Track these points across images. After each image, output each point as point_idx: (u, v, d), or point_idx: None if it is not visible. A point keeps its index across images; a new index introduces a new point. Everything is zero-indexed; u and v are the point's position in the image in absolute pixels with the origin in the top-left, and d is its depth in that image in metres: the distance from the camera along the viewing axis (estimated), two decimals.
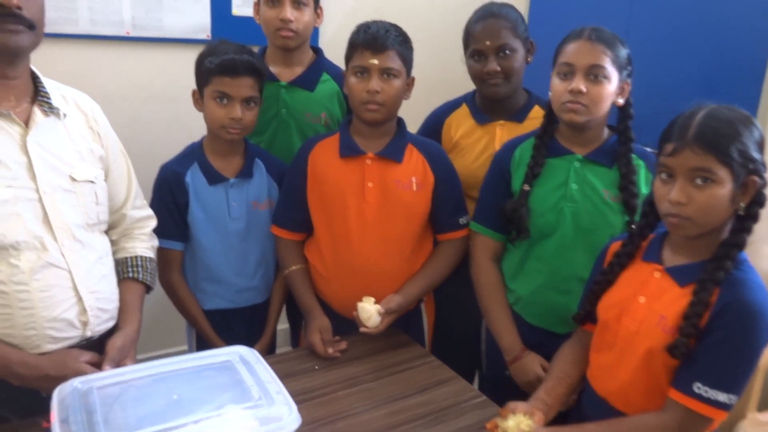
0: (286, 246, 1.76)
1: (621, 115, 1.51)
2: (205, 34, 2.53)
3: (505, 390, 1.49)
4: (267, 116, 1.92)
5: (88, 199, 1.36)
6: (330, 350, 1.59)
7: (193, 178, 1.73)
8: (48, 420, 1.08)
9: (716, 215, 1.15)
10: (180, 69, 2.50)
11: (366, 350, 1.64)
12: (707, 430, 1.20)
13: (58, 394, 1.11)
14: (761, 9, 1.90)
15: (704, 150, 1.12)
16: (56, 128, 1.33)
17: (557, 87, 1.48)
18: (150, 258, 1.55)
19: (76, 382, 1.13)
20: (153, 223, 1.59)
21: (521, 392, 1.53)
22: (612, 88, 1.44)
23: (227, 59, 1.64)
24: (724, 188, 1.12)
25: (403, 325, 1.73)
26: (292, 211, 1.73)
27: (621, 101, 1.49)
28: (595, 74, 1.43)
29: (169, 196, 1.70)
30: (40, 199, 1.27)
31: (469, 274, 1.72)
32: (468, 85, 1.90)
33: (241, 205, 1.77)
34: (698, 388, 1.14)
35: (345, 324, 1.66)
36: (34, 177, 1.26)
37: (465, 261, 1.73)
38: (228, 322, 1.82)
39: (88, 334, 1.35)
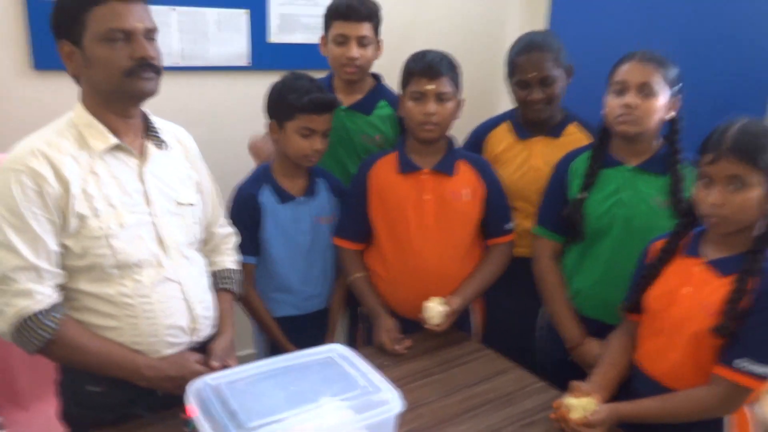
0: (349, 255, 1.94)
1: (671, 127, 1.70)
2: (246, 61, 2.71)
3: (559, 378, 1.66)
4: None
5: (190, 220, 1.54)
6: (398, 347, 1.77)
7: (266, 198, 1.89)
8: (184, 413, 1.25)
9: (750, 215, 1.34)
10: (224, 94, 2.70)
11: (428, 347, 1.81)
12: (747, 401, 1.39)
13: (191, 389, 1.27)
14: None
15: (738, 159, 1.31)
16: (163, 159, 1.51)
17: (612, 103, 1.67)
18: (237, 270, 1.72)
19: (207, 379, 1.29)
20: (235, 239, 1.77)
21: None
22: (661, 103, 1.63)
23: (315, 98, 1.81)
24: (756, 192, 1.31)
25: (455, 323, 1.90)
26: (355, 223, 1.91)
27: (672, 115, 1.67)
28: (645, 91, 1.62)
29: (245, 215, 1.86)
30: (154, 222, 1.44)
31: (513, 277, 1.91)
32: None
33: (308, 220, 1.94)
34: (741, 362, 1.32)
35: (407, 324, 1.84)
36: (149, 203, 1.43)
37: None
38: (296, 327, 1.98)
39: (196, 339, 1.52)
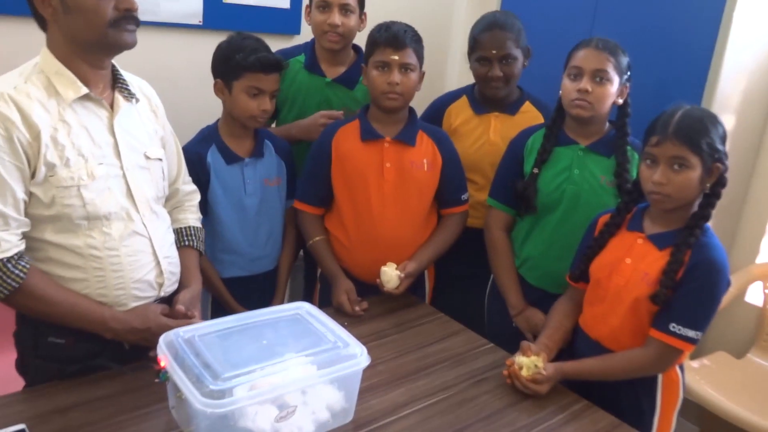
0: (309, 219, 1.98)
1: (620, 112, 1.82)
2: (197, 20, 2.65)
3: (506, 341, 1.77)
4: (310, 107, 2.14)
5: (158, 175, 1.53)
6: (357, 308, 1.83)
7: (213, 158, 1.89)
8: (156, 363, 1.27)
9: (689, 193, 1.47)
10: (174, 52, 2.63)
11: (384, 309, 1.89)
12: (678, 361, 1.54)
13: (163, 341, 1.28)
14: (706, 18, 2.27)
15: (681, 142, 1.43)
16: (132, 112, 1.49)
17: (567, 86, 1.77)
18: (200, 228, 1.73)
19: (180, 332, 1.31)
20: (198, 196, 1.76)
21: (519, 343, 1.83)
22: (613, 89, 1.74)
23: (262, 57, 1.81)
24: (695, 172, 1.44)
25: (409, 288, 1.98)
26: (316, 188, 1.95)
27: (620, 101, 1.79)
28: (599, 77, 1.72)
29: (193, 175, 1.82)
30: (124, 176, 1.43)
31: (464, 246, 2.00)
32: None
33: (255, 182, 1.95)
34: (673, 326, 1.46)
35: (364, 288, 1.91)
36: (119, 155, 1.42)
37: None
38: (243, 288, 2.00)
39: (162, 294, 1.52)
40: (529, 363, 1.52)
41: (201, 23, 2.65)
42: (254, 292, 2.03)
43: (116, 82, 1.47)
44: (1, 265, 1.28)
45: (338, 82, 2.15)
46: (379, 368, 1.59)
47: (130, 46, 1.38)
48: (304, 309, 1.48)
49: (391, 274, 1.83)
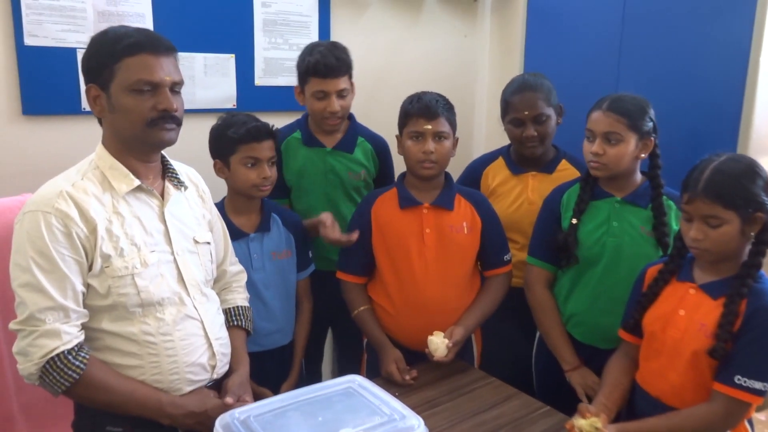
0: (353, 289, 1.99)
1: (650, 164, 1.82)
2: (232, 103, 2.76)
3: (558, 402, 1.73)
4: (317, 176, 2.18)
5: (206, 258, 1.57)
6: (407, 377, 1.81)
7: None
8: None
9: (729, 246, 1.45)
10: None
11: (434, 377, 1.86)
12: (746, 416, 1.48)
13: (219, 423, 1.28)
14: (733, 59, 2.28)
15: (711, 200, 1.42)
16: (181, 199, 1.55)
17: (585, 147, 1.82)
18: (247, 307, 1.75)
19: (236, 413, 1.31)
20: (245, 276, 1.80)
21: (572, 403, 1.78)
22: (630, 148, 1.75)
23: (252, 127, 1.88)
24: (732, 226, 1.42)
25: (458, 353, 1.95)
26: (358, 257, 1.97)
27: (644, 155, 1.79)
28: (611, 139, 1.75)
29: None
30: (175, 261, 1.47)
31: (509, 306, 1.98)
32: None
33: (261, 256, 1.96)
34: (738, 379, 1.41)
35: (411, 355, 1.88)
36: (170, 242, 1.47)
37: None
38: (259, 363, 1.92)
39: (215, 376, 1.53)
40: (589, 426, 1.47)
41: (235, 106, 2.76)
42: (269, 367, 2.01)
43: (166, 171, 1.54)
44: (62, 357, 1.31)
45: (338, 149, 2.21)
46: None
47: (169, 143, 1.45)
48: (357, 382, 1.47)
49: (438, 343, 1.81)
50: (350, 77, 2.17)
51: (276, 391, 1.98)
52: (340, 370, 2.45)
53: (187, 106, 2.59)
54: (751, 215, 1.42)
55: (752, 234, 1.45)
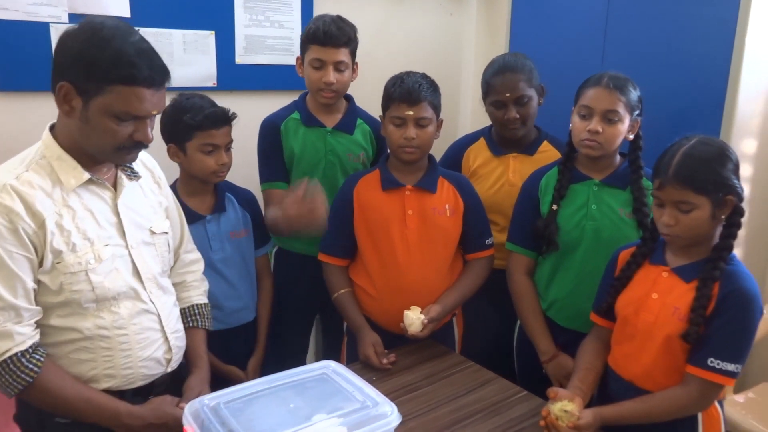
0: (334, 271, 1.98)
1: (632, 146, 1.80)
2: (212, 82, 2.71)
3: (539, 387, 1.72)
4: (317, 157, 2.15)
5: (163, 248, 1.54)
6: (384, 361, 1.80)
7: None
8: None
9: (701, 230, 1.44)
10: None
11: (413, 360, 1.86)
12: (719, 397, 1.48)
13: (188, 410, 1.27)
14: (718, 41, 2.26)
15: (682, 186, 1.41)
16: (135, 188, 1.50)
17: (577, 125, 1.76)
18: (205, 303, 1.72)
19: (205, 399, 1.30)
20: (201, 265, 1.76)
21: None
22: (624, 128, 1.73)
23: (210, 113, 1.84)
24: (704, 210, 1.41)
25: (438, 337, 1.95)
26: (340, 239, 1.95)
27: (631, 136, 1.77)
28: (610, 117, 1.71)
29: None
30: (130, 254, 1.43)
31: (491, 288, 1.97)
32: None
33: (220, 236, 1.95)
34: (711, 362, 1.41)
35: (391, 338, 1.88)
36: (123, 234, 1.43)
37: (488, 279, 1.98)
38: (224, 342, 1.95)
39: (169, 369, 1.52)
40: (559, 410, 1.46)
41: (215, 85, 2.71)
42: (236, 345, 2.02)
43: None
44: (15, 359, 1.27)
45: (338, 129, 2.17)
46: (410, 424, 1.55)
47: (130, 162, 1.44)
48: (330, 368, 1.46)
49: (413, 318, 1.81)
50: (352, 53, 2.12)
51: (243, 368, 2.02)
52: (324, 355, 2.44)
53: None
54: (722, 199, 1.41)
55: (723, 217, 1.44)
